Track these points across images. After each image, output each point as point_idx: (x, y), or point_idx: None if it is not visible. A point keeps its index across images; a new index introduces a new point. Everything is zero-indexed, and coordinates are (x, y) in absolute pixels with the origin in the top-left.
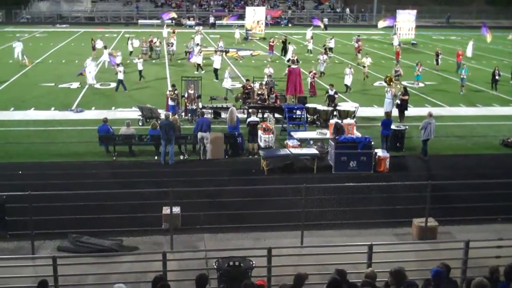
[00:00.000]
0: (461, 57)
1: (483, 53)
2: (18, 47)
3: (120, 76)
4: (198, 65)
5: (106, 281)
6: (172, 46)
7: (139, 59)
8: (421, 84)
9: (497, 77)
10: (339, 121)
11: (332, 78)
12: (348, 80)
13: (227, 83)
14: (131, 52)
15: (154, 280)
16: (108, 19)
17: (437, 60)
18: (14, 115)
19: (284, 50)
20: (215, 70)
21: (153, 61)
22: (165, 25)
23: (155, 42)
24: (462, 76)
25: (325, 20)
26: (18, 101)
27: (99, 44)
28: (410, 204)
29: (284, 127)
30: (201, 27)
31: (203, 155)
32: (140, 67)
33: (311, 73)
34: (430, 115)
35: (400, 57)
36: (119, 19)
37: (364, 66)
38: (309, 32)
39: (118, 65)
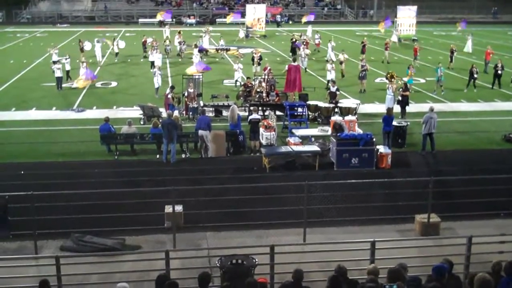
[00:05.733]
0: (490, 55)
1: (483, 48)
2: (98, 48)
3: (58, 73)
4: (152, 62)
5: (109, 280)
6: (183, 44)
7: (66, 59)
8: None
9: (499, 72)
10: (338, 120)
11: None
12: (330, 76)
13: (159, 80)
14: (117, 53)
15: (158, 278)
16: (109, 18)
17: (451, 57)
18: (15, 115)
19: (293, 50)
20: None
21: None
22: (168, 24)
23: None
24: (438, 76)
25: (278, 17)
26: (19, 101)
27: (87, 46)
28: (413, 200)
29: (286, 125)
30: (210, 27)
31: (204, 153)
32: (67, 67)
33: (267, 70)
34: (431, 109)
35: (418, 53)
36: (120, 18)
37: (341, 63)
38: (309, 29)
39: (54, 62)
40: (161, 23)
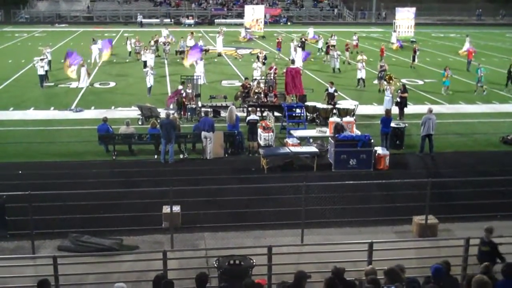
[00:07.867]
0: (472, 55)
1: (482, 50)
2: (95, 50)
3: (41, 71)
4: (144, 62)
5: (107, 280)
6: (168, 45)
7: (43, 59)
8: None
9: None
10: (340, 122)
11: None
12: (361, 74)
13: (151, 80)
14: (130, 52)
15: (155, 279)
16: (107, 18)
17: (413, 57)
18: (13, 115)
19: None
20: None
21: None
22: (164, 25)
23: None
24: (478, 76)
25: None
26: (17, 100)
27: (98, 45)
28: (410, 202)
29: (284, 125)
30: (224, 28)
31: (203, 154)
32: (46, 67)
33: (272, 69)
34: (430, 111)
35: (384, 54)
36: (118, 18)
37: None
38: (311, 31)
39: (41, 59)
40: (141, 24)
